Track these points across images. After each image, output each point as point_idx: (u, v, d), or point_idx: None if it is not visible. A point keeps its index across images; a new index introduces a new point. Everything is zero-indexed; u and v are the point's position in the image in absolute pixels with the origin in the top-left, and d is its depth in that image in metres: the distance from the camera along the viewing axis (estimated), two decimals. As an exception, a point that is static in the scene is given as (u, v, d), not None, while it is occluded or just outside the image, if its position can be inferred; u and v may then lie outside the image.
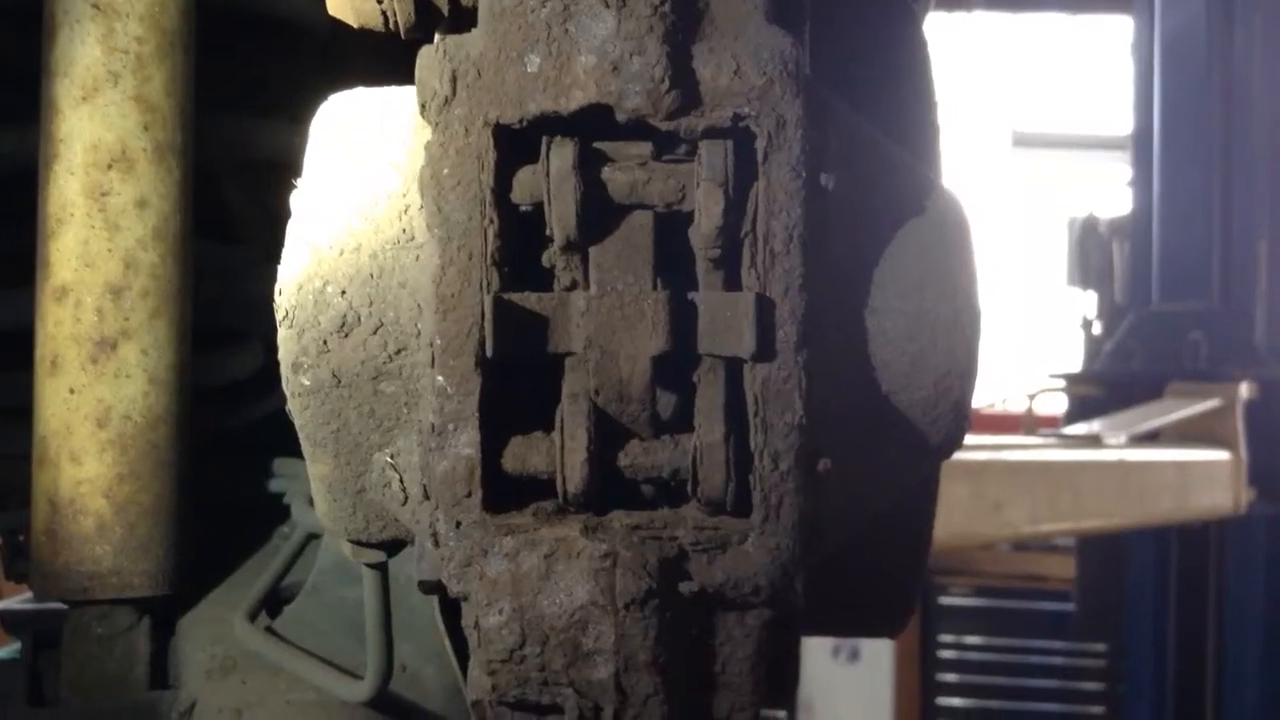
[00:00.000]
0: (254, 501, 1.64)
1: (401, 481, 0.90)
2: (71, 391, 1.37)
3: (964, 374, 0.89)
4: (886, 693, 7.55)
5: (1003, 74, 11.04)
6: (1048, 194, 10.92)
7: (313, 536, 1.55)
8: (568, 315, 0.81)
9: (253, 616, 1.49)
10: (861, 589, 1.06)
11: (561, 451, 0.80)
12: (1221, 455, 4.24)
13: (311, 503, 1.09)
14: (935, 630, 7.66)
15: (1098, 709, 7.49)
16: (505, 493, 0.82)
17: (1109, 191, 9.14)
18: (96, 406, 1.38)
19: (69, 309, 1.37)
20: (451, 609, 1.12)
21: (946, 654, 7.72)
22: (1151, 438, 4.23)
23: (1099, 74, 10.41)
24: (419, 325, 0.86)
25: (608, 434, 0.82)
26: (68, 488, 1.38)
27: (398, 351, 0.87)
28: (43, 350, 1.39)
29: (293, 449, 0.96)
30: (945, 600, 7.68)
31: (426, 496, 0.82)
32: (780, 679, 0.86)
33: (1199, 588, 5.04)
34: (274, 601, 1.53)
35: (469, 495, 0.80)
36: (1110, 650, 7.13)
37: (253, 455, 1.65)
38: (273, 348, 0.90)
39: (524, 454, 0.82)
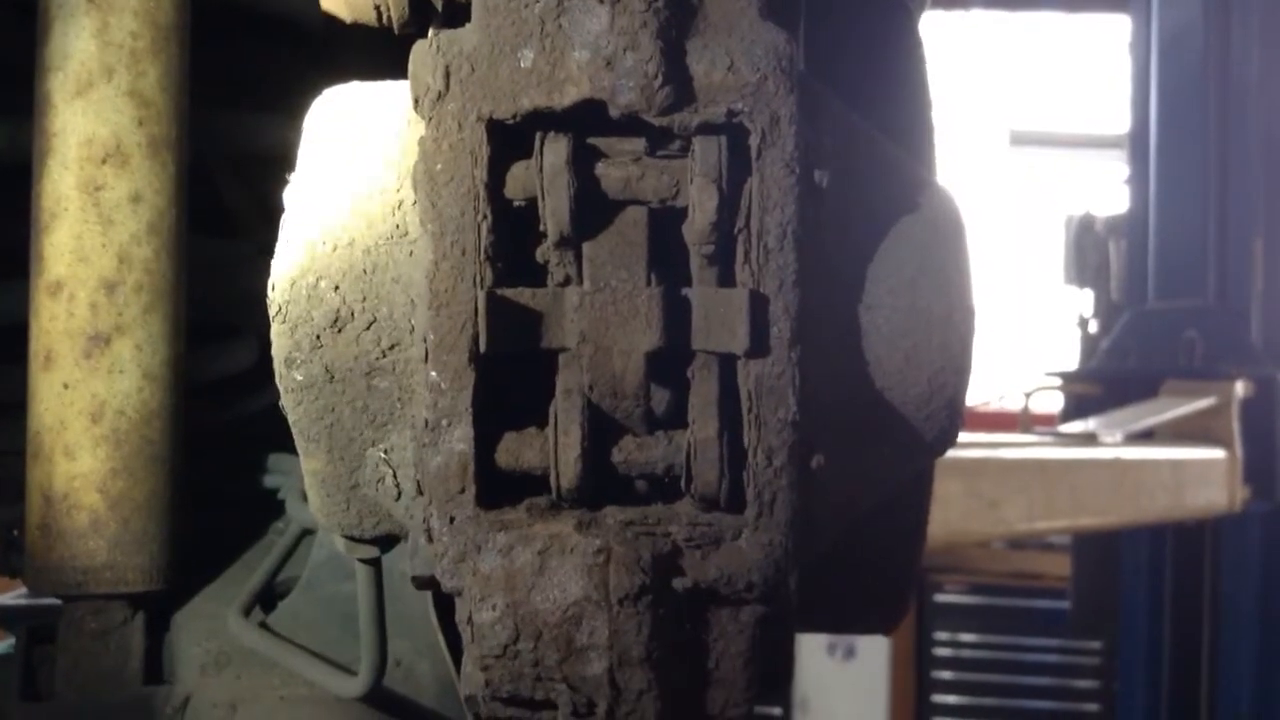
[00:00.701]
0: (248, 497, 1.64)
1: (395, 477, 0.90)
2: (65, 386, 1.37)
3: (958, 370, 0.89)
4: (882, 690, 7.55)
5: (999, 72, 11.03)
6: (1044, 192, 10.91)
7: (307, 532, 1.55)
8: (561, 311, 0.81)
9: (247, 611, 1.49)
10: (856, 585, 1.06)
11: (555, 447, 0.80)
12: (1217, 453, 4.24)
13: (305, 498, 1.09)
14: (930, 628, 7.66)
15: (1092, 706, 7.49)
16: (499, 488, 0.82)
17: (1106, 190, 9.15)
18: (90, 401, 1.37)
19: (63, 304, 1.37)
20: (445, 604, 1.12)
21: (942, 651, 7.72)
22: (1147, 436, 4.23)
23: (1096, 73, 10.40)
24: (412, 321, 0.86)
25: (601, 430, 0.82)
26: (62, 483, 1.38)
27: (391, 347, 0.87)
28: (36, 345, 1.38)
29: (287, 444, 0.96)
30: (940, 598, 7.68)
31: (420, 492, 0.82)
32: (774, 675, 0.86)
33: (1194, 586, 5.04)
34: (268, 597, 1.53)
35: (462, 491, 0.80)
36: (1105, 648, 7.14)
37: (247, 450, 1.65)
38: (267, 343, 0.90)
39: (518, 449, 0.82)
